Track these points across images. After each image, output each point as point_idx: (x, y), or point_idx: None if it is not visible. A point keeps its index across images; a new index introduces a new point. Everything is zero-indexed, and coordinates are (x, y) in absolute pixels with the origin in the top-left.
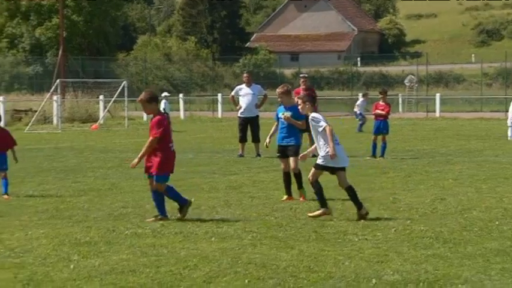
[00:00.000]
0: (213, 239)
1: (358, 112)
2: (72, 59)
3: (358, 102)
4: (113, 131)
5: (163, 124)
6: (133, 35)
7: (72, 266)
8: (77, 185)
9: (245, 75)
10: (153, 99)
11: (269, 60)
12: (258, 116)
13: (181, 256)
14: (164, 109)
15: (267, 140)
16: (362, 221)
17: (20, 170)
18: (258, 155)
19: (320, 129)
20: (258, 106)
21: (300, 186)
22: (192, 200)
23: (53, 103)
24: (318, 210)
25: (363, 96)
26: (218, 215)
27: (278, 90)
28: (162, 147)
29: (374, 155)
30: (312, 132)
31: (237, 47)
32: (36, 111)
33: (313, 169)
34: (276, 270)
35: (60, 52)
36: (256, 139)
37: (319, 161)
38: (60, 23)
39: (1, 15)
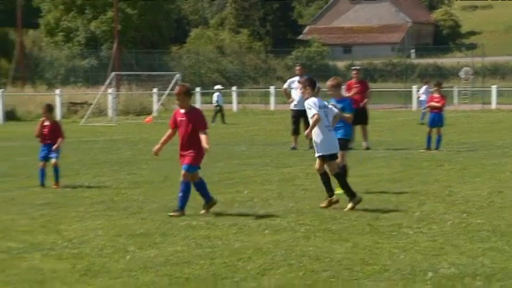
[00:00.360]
0: (266, 231)
1: (422, 99)
2: (126, 52)
3: (423, 90)
4: (167, 123)
5: None
6: (187, 28)
7: (128, 257)
8: (131, 177)
9: (298, 67)
10: (188, 93)
11: (322, 52)
12: None
13: (236, 248)
14: (217, 101)
15: (307, 131)
16: (417, 213)
17: (75, 162)
18: (311, 147)
19: (310, 115)
20: None
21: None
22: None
23: (107, 96)
24: (350, 202)
25: (426, 83)
26: (271, 207)
27: (328, 83)
28: (199, 140)
29: (429, 147)
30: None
31: (290, 39)
32: (91, 104)
33: (324, 164)
34: (330, 263)
35: (114, 45)
36: None
37: (318, 152)
38: (114, 16)
39: (57, 9)
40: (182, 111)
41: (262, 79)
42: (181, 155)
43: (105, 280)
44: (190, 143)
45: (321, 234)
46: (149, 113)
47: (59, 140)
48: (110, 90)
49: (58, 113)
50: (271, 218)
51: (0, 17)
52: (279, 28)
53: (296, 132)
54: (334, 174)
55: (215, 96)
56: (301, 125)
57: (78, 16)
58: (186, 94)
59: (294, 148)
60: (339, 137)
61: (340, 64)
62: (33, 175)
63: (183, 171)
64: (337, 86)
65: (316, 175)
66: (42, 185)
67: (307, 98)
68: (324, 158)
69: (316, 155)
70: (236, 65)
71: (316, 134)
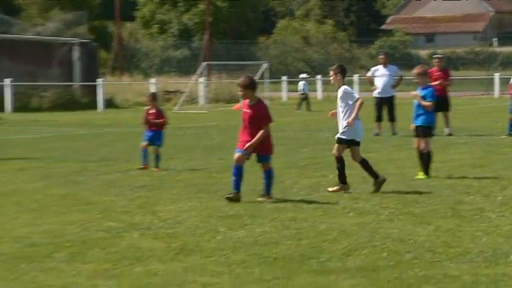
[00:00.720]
0: (351, 214)
1: None
2: (217, 43)
3: None
4: None
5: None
6: (273, 20)
7: (219, 237)
8: (222, 162)
9: (381, 56)
10: (251, 86)
11: (405, 41)
12: (393, 96)
13: (321, 230)
14: (303, 89)
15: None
16: (499, 198)
17: (170, 147)
18: (394, 133)
19: (352, 100)
20: (393, 86)
21: (423, 167)
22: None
23: (199, 85)
24: (336, 186)
25: None
26: (355, 191)
27: (415, 71)
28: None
29: (510, 134)
30: (340, 105)
31: (373, 29)
32: (184, 92)
33: (336, 144)
34: (413, 245)
35: (205, 37)
36: (392, 118)
37: (339, 134)
38: (206, 9)
39: (152, 2)
40: (247, 102)
41: (346, 68)
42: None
43: (197, 258)
44: (255, 135)
45: (403, 217)
46: (238, 100)
47: (163, 119)
48: (201, 79)
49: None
50: (355, 201)
51: (100, 11)
52: (363, 18)
53: (379, 118)
54: (360, 161)
55: (301, 84)
56: (385, 111)
57: (171, 9)
58: (247, 87)
59: (377, 134)
60: (420, 124)
61: (423, 53)
62: (131, 159)
63: (264, 164)
64: (423, 74)
65: (398, 160)
66: (145, 166)
67: (338, 86)
68: (342, 142)
69: (338, 136)
70: (321, 55)
71: (345, 118)
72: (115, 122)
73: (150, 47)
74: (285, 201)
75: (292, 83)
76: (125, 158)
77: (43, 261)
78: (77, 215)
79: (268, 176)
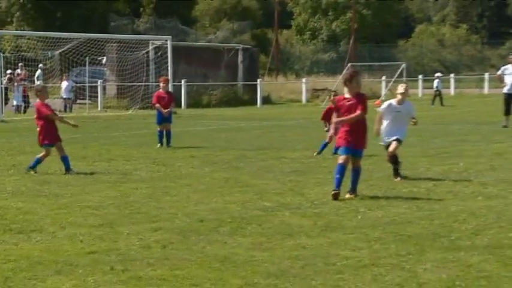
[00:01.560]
0: (479, 197)
1: None
2: (361, 46)
3: None
4: None
5: None
6: (412, 25)
7: (359, 217)
8: (365, 151)
9: (511, 56)
10: (351, 80)
11: None
12: None
13: (452, 211)
14: (437, 87)
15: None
16: None
17: (316, 138)
18: None
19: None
20: None
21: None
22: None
23: None
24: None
25: None
26: (484, 177)
27: None
28: (366, 124)
29: None
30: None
31: (503, 32)
32: (331, 90)
33: (396, 144)
34: None
35: (351, 41)
36: None
37: (400, 137)
38: (352, 17)
39: (306, 12)
40: (346, 95)
41: (478, 67)
42: (345, 138)
43: (340, 235)
44: (363, 125)
45: None
46: (378, 97)
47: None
48: None
49: (303, 98)
50: (483, 186)
51: (261, 20)
52: (494, 23)
53: (508, 112)
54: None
55: (435, 82)
56: None
57: (322, 18)
58: (346, 80)
59: (505, 126)
60: None
61: None
62: (284, 148)
63: (357, 158)
64: None
65: None
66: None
67: (403, 100)
68: (400, 142)
69: (398, 137)
70: (455, 56)
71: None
72: (270, 117)
73: (303, 51)
74: (419, 185)
75: (428, 81)
76: (278, 147)
77: (209, 234)
78: (238, 196)
79: (356, 173)
